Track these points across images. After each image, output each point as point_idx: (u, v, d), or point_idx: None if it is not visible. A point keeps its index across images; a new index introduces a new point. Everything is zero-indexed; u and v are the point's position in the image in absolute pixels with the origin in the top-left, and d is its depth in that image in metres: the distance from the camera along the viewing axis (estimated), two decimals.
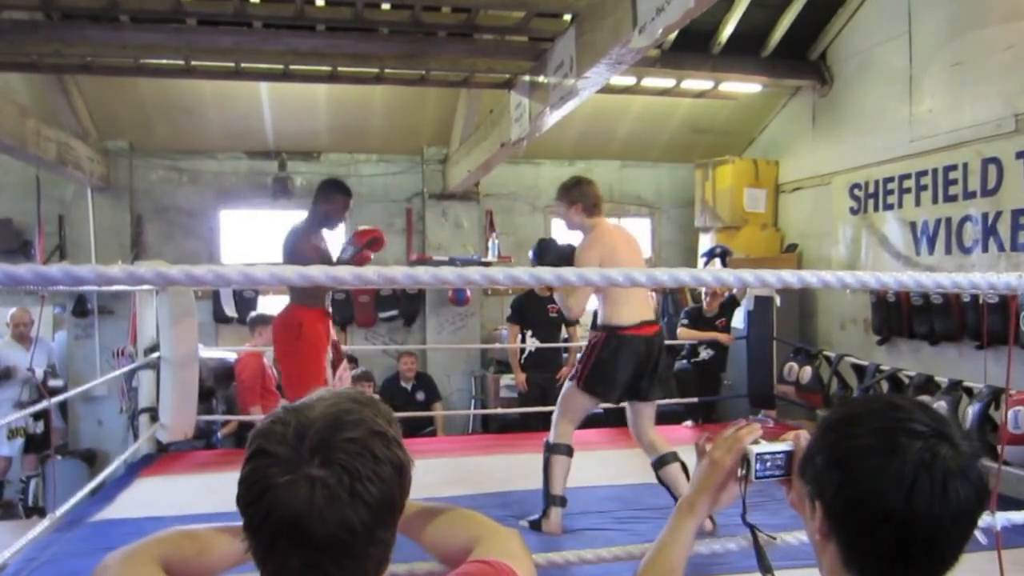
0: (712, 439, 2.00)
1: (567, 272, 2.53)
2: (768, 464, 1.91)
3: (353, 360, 10.52)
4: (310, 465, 1.40)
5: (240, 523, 1.87)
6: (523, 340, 9.68)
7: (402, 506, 1.54)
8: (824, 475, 1.52)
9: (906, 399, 1.57)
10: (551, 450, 5.89)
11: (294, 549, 1.42)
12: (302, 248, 6.22)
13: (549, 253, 5.89)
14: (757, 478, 1.90)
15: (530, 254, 6.07)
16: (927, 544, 1.43)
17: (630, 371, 5.69)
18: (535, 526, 5.76)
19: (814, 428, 1.67)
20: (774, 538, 2.18)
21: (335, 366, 6.39)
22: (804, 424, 8.73)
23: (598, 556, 2.78)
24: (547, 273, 2.56)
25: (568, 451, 5.89)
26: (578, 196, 5.85)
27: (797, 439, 1.89)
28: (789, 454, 1.91)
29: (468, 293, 11.24)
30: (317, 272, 2.36)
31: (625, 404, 5.96)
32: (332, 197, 6.37)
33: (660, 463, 5.73)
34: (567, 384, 6.01)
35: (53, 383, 9.32)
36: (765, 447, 1.92)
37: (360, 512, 1.41)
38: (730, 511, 2.04)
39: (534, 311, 9.68)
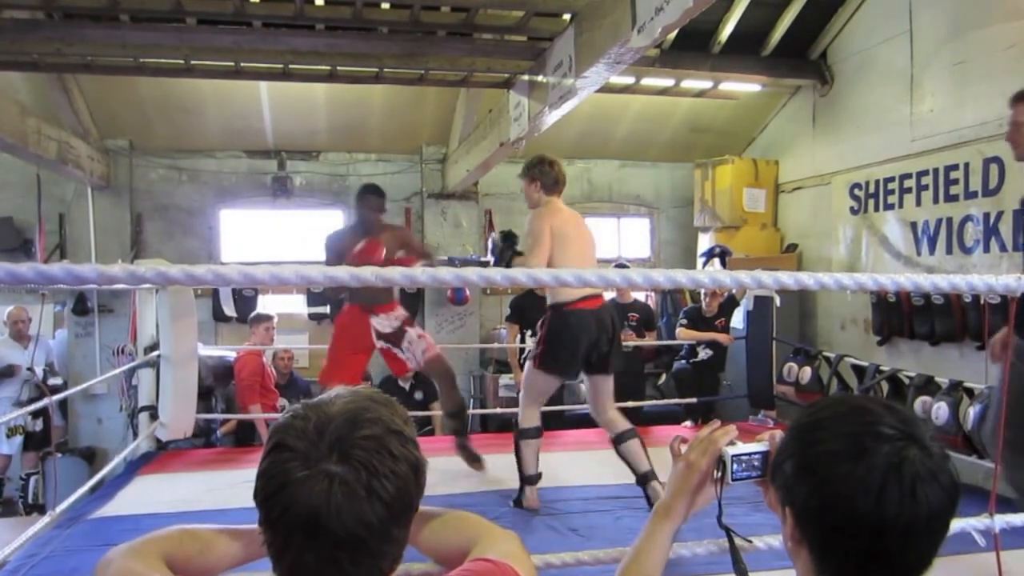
0: (686, 441, 1.99)
1: (564, 273, 2.53)
2: (744, 465, 1.89)
3: None
4: (328, 461, 1.43)
5: (240, 526, 1.92)
6: (522, 339, 9.66)
7: (417, 505, 1.56)
8: (793, 481, 1.51)
9: (874, 401, 1.55)
10: (521, 435, 6.14)
11: (310, 544, 1.43)
12: (329, 251, 6.77)
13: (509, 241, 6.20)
14: (734, 479, 1.89)
15: (489, 242, 6.37)
16: (899, 549, 1.41)
17: (581, 346, 5.82)
18: (517, 504, 6.09)
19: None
20: (750, 541, 2.18)
21: (396, 344, 7.00)
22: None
23: (595, 558, 2.78)
24: (544, 274, 2.56)
25: (537, 433, 6.14)
26: (538, 174, 6.07)
27: (772, 439, 1.88)
28: (765, 454, 1.89)
29: (467, 292, 11.23)
30: (314, 272, 2.39)
31: (585, 381, 6.21)
32: (366, 200, 6.89)
33: (620, 439, 5.88)
34: (527, 365, 6.19)
35: (52, 381, 9.33)
36: (741, 448, 1.90)
37: (377, 509, 1.43)
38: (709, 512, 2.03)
39: (534, 310, 9.64)
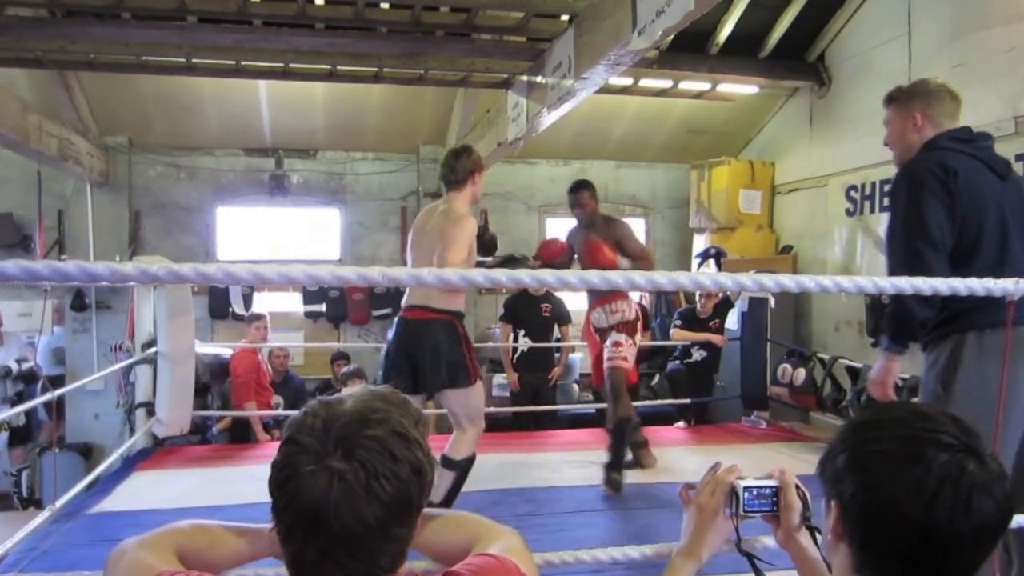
0: (693, 487, 2.04)
1: (567, 274, 2.56)
2: (755, 495, 1.93)
3: (345, 357, 10.54)
4: (333, 457, 1.47)
5: (247, 524, 1.98)
6: (515, 339, 9.68)
7: (420, 506, 1.59)
8: (843, 475, 1.50)
9: (935, 410, 1.54)
10: None
11: (311, 536, 1.49)
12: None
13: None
14: (747, 510, 1.93)
15: None
16: (943, 556, 1.41)
17: (398, 355, 5.52)
18: None
19: (797, 478, 1.68)
20: (772, 564, 2.20)
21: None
22: (796, 426, 8.78)
23: (594, 557, 2.80)
24: (548, 275, 2.59)
25: None
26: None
27: (783, 475, 1.92)
28: (776, 489, 1.93)
29: None
30: (323, 272, 2.42)
31: None
32: (570, 198, 6.91)
33: (446, 461, 5.56)
34: None
35: (24, 367, 9.36)
36: (751, 481, 1.95)
37: (375, 508, 1.47)
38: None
39: (526, 310, 9.66)
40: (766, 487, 1.93)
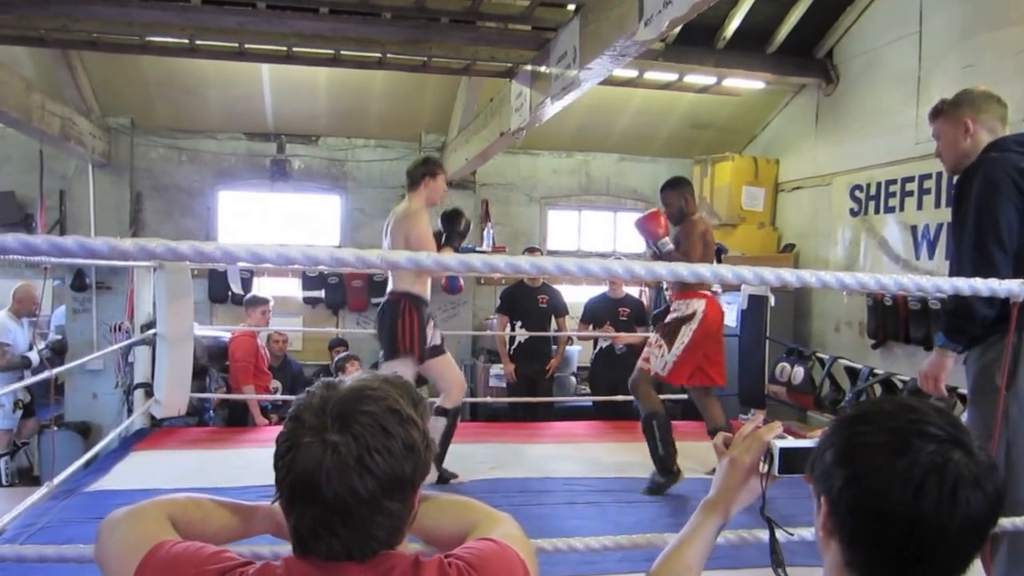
0: (731, 439, 2.01)
1: (567, 262, 2.54)
2: (791, 458, 1.90)
3: (343, 343, 10.55)
4: (329, 431, 1.54)
5: (240, 501, 2.04)
6: (512, 329, 9.65)
7: (415, 483, 1.64)
8: (832, 470, 1.48)
9: (923, 402, 1.51)
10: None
11: (307, 505, 1.56)
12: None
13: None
14: (781, 472, 1.90)
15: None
16: (931, 550, 1.39)
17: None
18: None
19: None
20: (792, 533, 2.18)
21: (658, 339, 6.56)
22: (793, 425, 8.76)
23: (586, 545, 2.81)
24: (548, 263, 2.57)
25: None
26: None
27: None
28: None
29: (461, 281, 11.20)
30: (321, 254, 2.39)
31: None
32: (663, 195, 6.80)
33: None
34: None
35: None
36: (790, 443, 1.91)
37: (366, 481, 1.53)
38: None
39: (524, 301, 9.63)
40: (804, 448, 1.87)
